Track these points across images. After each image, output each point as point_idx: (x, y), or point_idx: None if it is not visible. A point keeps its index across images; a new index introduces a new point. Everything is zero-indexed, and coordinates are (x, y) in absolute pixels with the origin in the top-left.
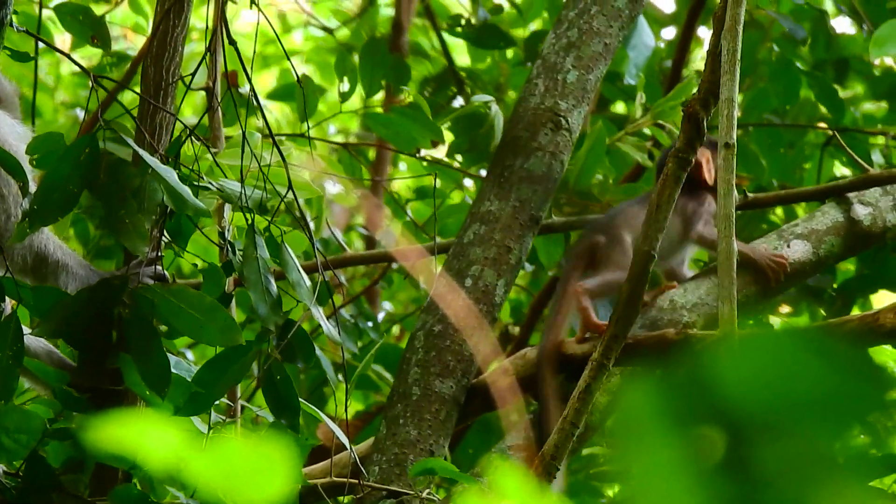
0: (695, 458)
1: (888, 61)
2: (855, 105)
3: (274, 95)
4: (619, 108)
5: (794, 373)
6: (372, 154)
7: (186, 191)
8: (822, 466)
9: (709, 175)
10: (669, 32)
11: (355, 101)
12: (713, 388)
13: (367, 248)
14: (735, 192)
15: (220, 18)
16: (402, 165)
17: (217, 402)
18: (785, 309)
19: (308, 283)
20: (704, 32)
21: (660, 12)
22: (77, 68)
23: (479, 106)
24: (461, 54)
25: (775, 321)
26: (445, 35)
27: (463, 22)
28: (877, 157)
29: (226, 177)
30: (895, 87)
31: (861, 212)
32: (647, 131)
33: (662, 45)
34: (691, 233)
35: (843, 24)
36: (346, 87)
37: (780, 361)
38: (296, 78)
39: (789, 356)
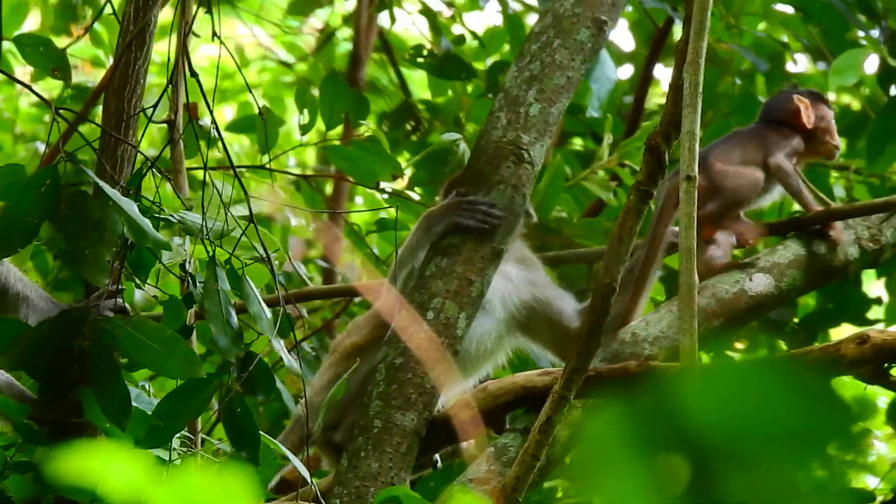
0: (660, 487)
1: (845, 99)
2: None
3: (233, 127)
4: (579, 141)
5: (758, 402)
6: (329, 188)
7: (147, 223)
8: (786, 496)
9: (807, 120)
10: (627, 71)
11: (312, 135)
12: (678, 418)
13: (325, 281)
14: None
15: (182, 51)
16: (359, 199)
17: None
18: (740, 345)
19: (269, 315)
20: (662, 71)
21: (619, 49)
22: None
23: (448, 143)
24: (420, 88)
25: (734, 354)
26: (404, 69)
27: (425, 53)
28: (838, 191)
29: (186, 209)
30: (853, 125)
31: (822, 246)
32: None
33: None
34: (770, 159)
35: (798, 59)
36: (305, 119)
37: (745, 391)
38: (257, 110)
39: (754, 386)
